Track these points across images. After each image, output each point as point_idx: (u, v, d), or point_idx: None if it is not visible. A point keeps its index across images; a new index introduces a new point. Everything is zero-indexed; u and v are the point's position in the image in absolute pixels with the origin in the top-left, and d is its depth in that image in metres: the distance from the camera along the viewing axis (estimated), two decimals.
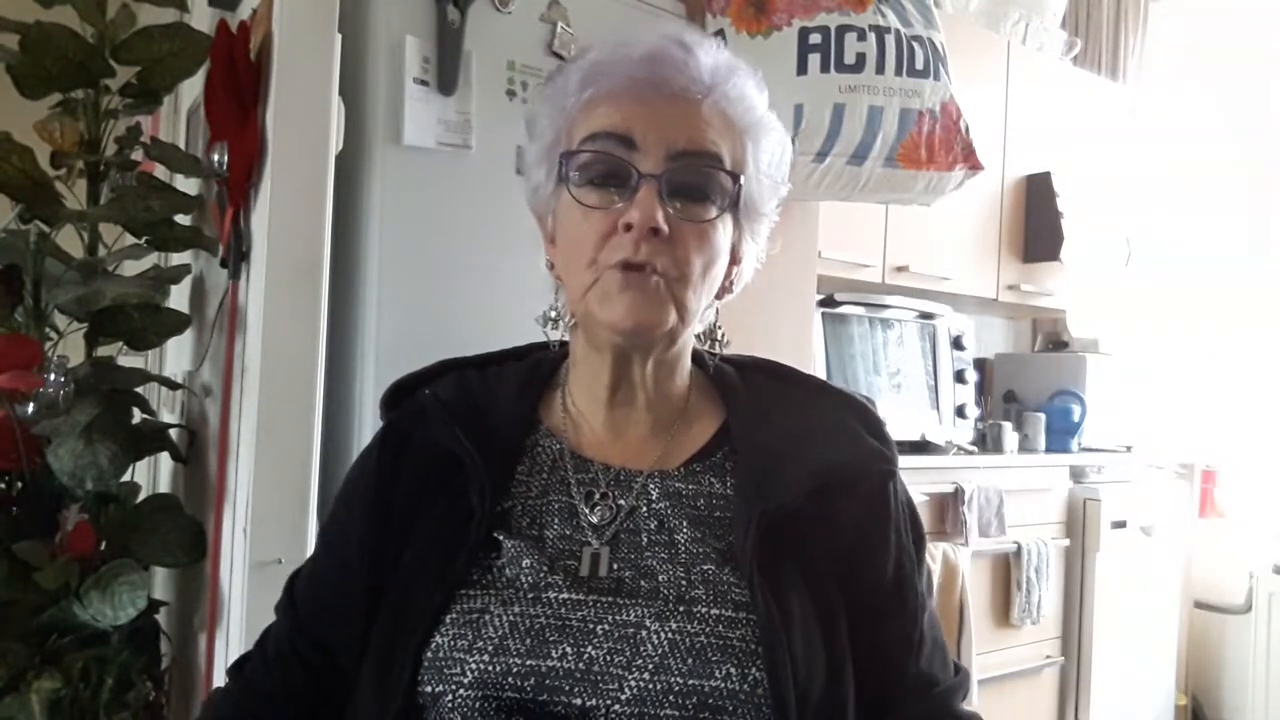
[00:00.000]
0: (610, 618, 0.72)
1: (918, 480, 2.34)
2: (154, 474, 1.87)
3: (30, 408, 1.40)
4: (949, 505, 2.50)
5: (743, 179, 0.78)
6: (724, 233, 0.79)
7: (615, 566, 0.76)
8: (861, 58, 1.71)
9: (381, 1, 1.43)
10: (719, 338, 0.88)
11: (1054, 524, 2.82)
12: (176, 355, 1.82)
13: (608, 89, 0.77)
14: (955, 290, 2.92)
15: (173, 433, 1.63)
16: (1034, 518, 2.74)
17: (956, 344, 2.86)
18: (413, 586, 0.76)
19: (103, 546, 1.44)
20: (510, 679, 0.70)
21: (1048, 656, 2.79)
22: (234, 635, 1.32)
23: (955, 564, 2.43)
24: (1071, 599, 2.84)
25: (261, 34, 1.38)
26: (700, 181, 0.76)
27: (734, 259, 0.83)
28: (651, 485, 0.80)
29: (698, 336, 0.86)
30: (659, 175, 0.74)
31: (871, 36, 1.71)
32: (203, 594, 1.46)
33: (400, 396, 0.86)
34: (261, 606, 1.24)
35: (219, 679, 1.36)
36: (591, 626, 0.72)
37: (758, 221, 0.83)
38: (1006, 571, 2.65)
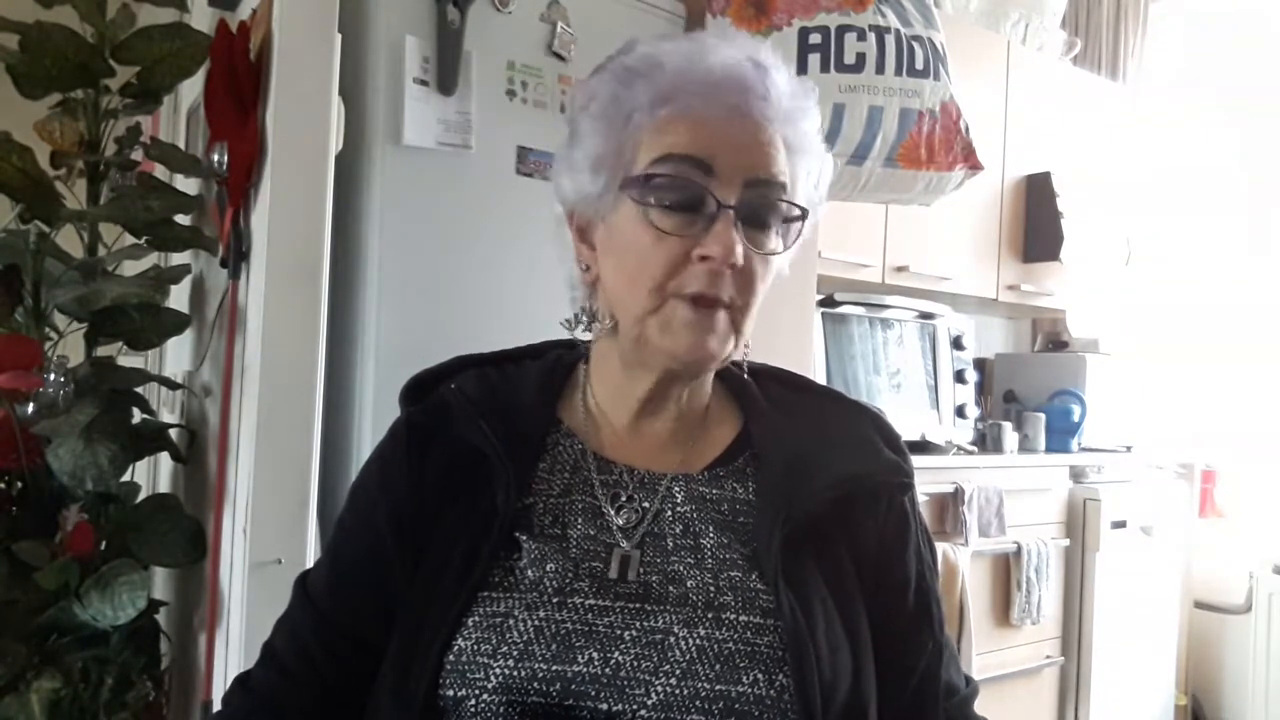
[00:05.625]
0: (638, 624, 0.72)
1: (918, 480, 2.31)
2: (154, 474, 1.87)
3: (30, 408, 1.40)
4: (949, 505, 2.50)
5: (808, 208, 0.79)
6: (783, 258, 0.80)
7: (642, 571, 0.76)
8: (861, 57, 1.71)
9: (381, 1, 1.43)
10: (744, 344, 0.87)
11: (1054, 524, 2.81)
12: (176, 355, 1.82)
13: (685, 108, 0.74)
14: (955, 290, 2.92)
15: (173, 433, 1.63)
16: (1034, 518, 2.74)
17: (956, 344, 2.86)
18: (435, 586, 0.75)
19: (103, 546, 1.44)
20: (535, 684, 0.70)
21: (1048, 656, 2.79)
22: (234, 635, 1.32)
23: (955, 564, 2.43)
24: (1071, 599, 2.84)
25: (261, 34, 1.38)
26: (770, 212, 0.76)
27: None
28: (676, 488, 0.80)
29: None
30: (736, 206, 0.74)
31: (871, 36, 1.71)
32: (203, 594, 1.46)
33: (420, 391, 0.85)
34: (261, 606, 1.24)
35: (219, 679, 1.36)
36: (619, 632, 0.72)
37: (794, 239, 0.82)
38: (1006, 571, 2.65)
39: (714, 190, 0.74)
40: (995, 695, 2.56)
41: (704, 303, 0.74)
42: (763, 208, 0.76)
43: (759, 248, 0.76)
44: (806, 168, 0.80)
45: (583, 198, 0.80)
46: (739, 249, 0.73)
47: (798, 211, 0.78)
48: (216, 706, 1.34)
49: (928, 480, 2.45)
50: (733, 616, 0.72)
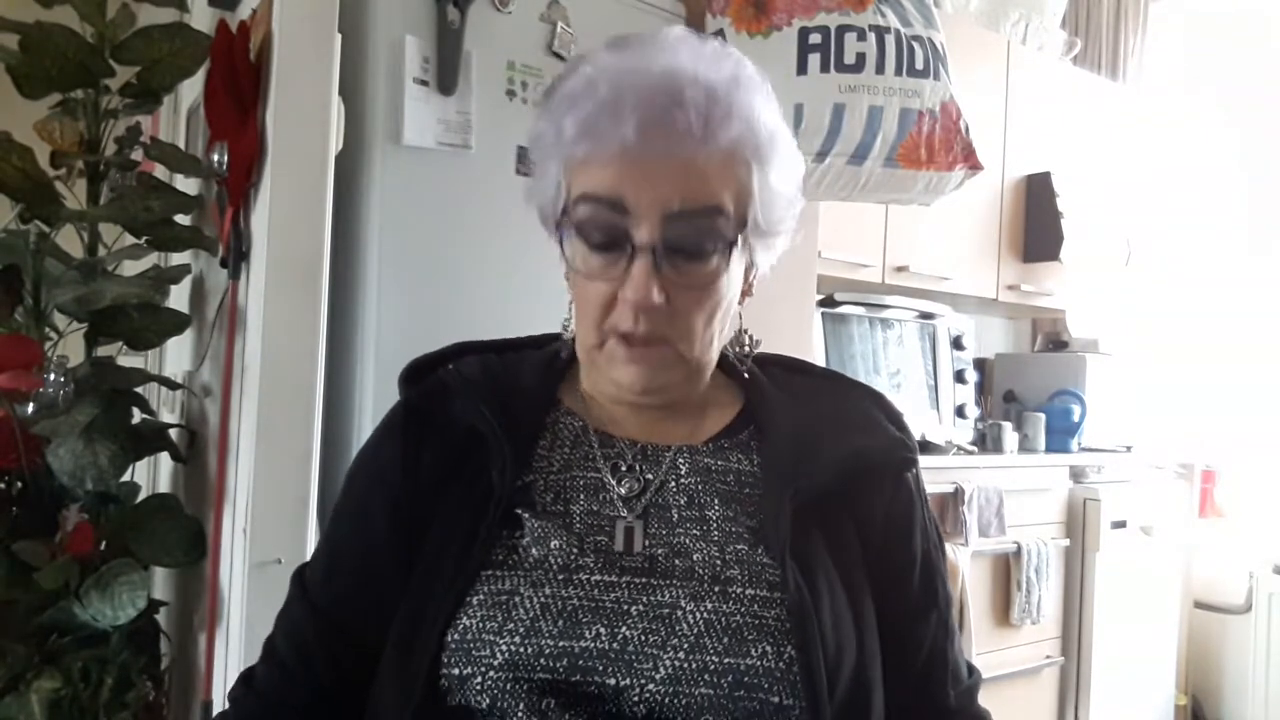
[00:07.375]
0: (645, 598, 0.72)
1: None
2: (154, 474, 1.87)
3: (30, 408, 1.40)
4: (949, 505, 2.50)
5: (750, 211, 0.76)
6: (732, 268, 0.76)
7: (647, 544, 0.76)
8: (861, 58, 1.71)
9: (381, 1, 1.43)
10: (746, 341, 0.87)
11: (1054, 524, 2.81)
12: (176, 355, 1.82)
13: (595, 150, 0.73)
14: (955, 290, 2.92)
15: (173, 433, 1.63)
16: (1034, 518, 2.74)
17: (956, 344, 2.86)
18: (436, 568, 0.75)
19: (103, 546, 1.44)
20: (542, 660, 0.70)
21: (1048, 656, 2.79)
22: (234, 635, 1.32)
23: (955, 564, 2.43)
24: (1071, 599, 2.84)
25: (261, 34, 1.38)
26: (698, 239, 0.73)
27: (749, 265, 0.82)
28: (680, 460, 0.80)
29: (729, 344, 0.86)
30: (653, 245, 0.72)
31: (871, 36, 1.71)
32: (203, 594, 1.46)
33: (419, 375, 0.85)
34: (261, 606, 1.25)
35: (219, 679, 1.36)
36: (626, 607, 0.72)
37: (773, 236, 0.81)
38: (1006, 571, 2.65)
39: (630, 229, 0.72)
40: (995, 695, 2.56)
41: (636, 341, 0.74)
42: (690, 236, 0.72)
43: (689, 280, 0.73)
44: (762, 167, 0.76)
45: (546, 221, 0.82)
46: (654, 291, 0.71)
47: (732, 226, 0.73)
48: (216, 706, 1.34)
49: (928, 480, 2.43)
50: (739, 590, 0.72)
